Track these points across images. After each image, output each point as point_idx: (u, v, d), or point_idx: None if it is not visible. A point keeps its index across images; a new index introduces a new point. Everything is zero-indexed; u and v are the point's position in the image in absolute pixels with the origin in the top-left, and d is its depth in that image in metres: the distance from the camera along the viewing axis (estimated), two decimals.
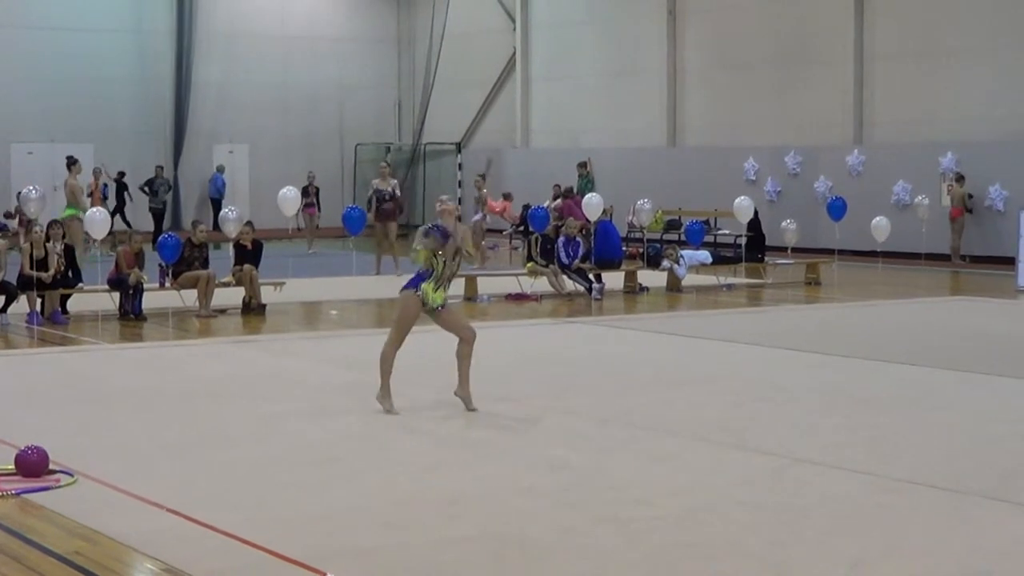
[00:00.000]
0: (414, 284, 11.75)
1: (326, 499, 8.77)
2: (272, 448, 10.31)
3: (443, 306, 11.88)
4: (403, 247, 22.94)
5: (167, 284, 19.36)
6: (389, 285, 23.15)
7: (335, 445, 10.48)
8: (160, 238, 20.44)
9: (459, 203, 37.96)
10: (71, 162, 26.41)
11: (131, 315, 18.45)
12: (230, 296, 19.63)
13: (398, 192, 27.77)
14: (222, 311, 19.31)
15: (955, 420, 11.44)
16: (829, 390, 13.00)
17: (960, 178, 29.35)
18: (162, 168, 36.38)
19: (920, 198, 29.00)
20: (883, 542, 7.71)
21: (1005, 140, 29.25)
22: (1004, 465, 9.65)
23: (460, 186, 41.43)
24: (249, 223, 20.65)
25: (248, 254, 19.92)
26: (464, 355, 11.87)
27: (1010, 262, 24.93)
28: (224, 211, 22.24)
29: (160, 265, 19.52)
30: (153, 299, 19.07)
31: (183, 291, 19.27)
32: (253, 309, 19.40)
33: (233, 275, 19.72)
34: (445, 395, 12.01)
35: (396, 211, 27.23)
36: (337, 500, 8.75)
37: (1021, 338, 17.26)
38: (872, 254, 27.67)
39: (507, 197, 32.59)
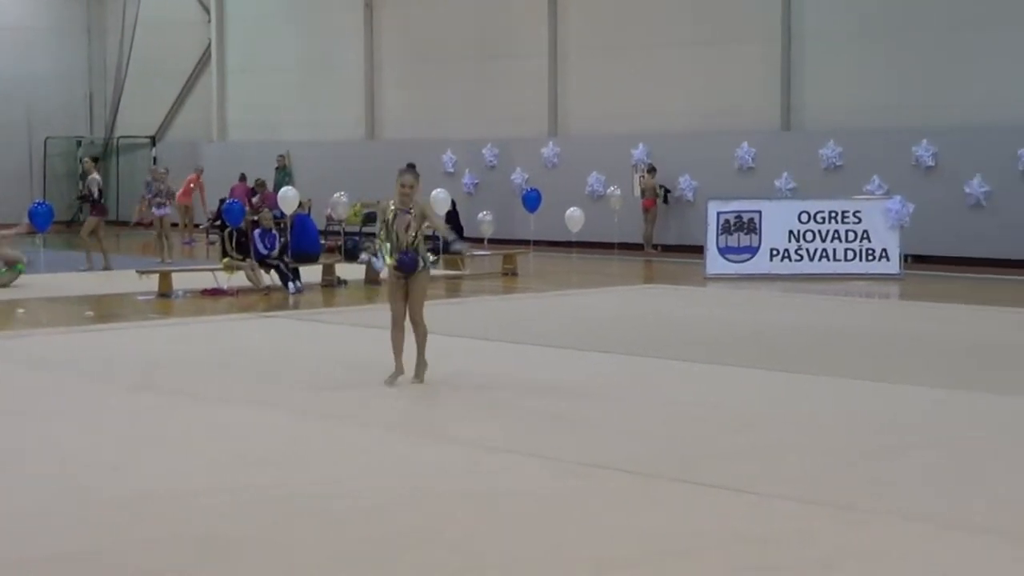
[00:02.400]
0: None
1: (2, 505, 8.37)
2: None
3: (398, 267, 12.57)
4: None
5: None
6: (99, 281, 22.48)
7: (9, 446, 10.04)
8: None
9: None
10: None
11: None
12: None
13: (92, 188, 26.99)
14: None
15: (644, 406, 11.68)
16: (523, 379, 13.10)
17: (652, 169, 30.11)
18: None
19: (612, 189, 29.64)
20: (575, 526, 7.79)
21: (693, 132, 30.16)
22: (688, 448, 9.89)
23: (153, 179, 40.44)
24: None
25: None
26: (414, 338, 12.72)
27: (700, 251, 25.67)
28: None
29: None
30: None
31: None
32: None
33: None
34: (131, 390, 11.67)
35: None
36: (15, 505, 8.36)
37: (709, 323, 17.80)
38: (567, 244, 28.17)
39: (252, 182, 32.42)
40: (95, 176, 26.35)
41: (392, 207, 12.76)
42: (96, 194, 25.72)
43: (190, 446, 10.07)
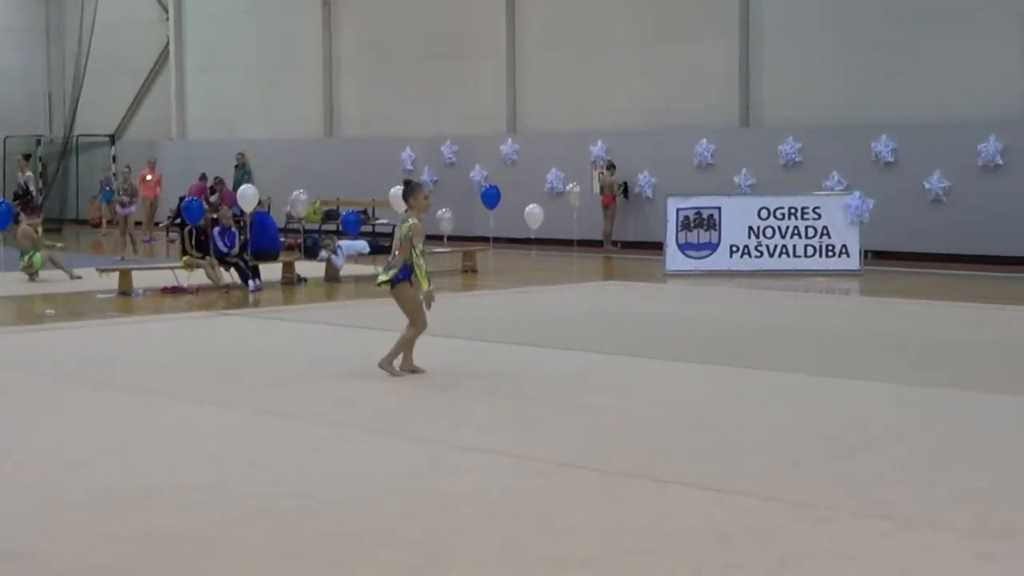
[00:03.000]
0: (405, 276, 12.80)
1: None
2: None
3: (391, 284, 12.85)
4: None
5: None
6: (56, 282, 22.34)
7: None
8: None
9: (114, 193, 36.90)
10: None
11: None
12: None
13: (30, 186, 26.76)
14: None
15: (606, 402, 11.63)
16: (484, 376, 13.04)
17: (611, 166, 30.12)
18: None
19: (572, 186, 29.63)
20: (535, 524, 7.73)
21: (652, 129, 30.19)
22: (650, 446, 9.84)
23: (115, 178, 40.21)
24: None
25: None
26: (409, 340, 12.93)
27: (659, 247, 25.69)
28: None
29: None
30: None
31: None
32: None
33: None
34: (90, 389, 11.55)
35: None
36: None
37: (669, 320, 17.79)
38: (527, 241, 28.13)
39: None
40: (29, 174, 26.09)
41: (420, 246, 12.88)
42: (28, 192, 25.40)
43: (148, 445, 9.96)
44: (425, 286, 12.85)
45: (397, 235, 13.04)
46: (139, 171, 34.40)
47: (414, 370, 13.07)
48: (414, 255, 12.82)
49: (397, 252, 12.95)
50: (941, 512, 7.96)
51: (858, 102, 27.37)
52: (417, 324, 13.09)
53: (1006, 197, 25.32)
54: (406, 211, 13.09)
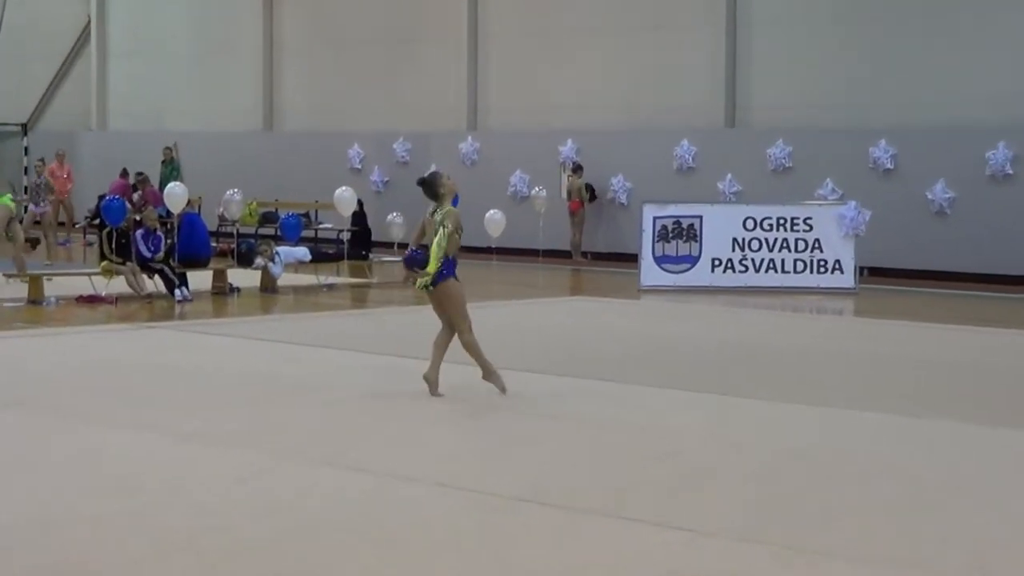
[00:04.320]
0: (451, 272, 13.01)
1: None
2: None
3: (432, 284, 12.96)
4: None
5: None
6: None
7: None
8: None
9: (25, 191, 36.78)
10: None
11: None
12: None
13: None
14: None
15: (571, 431, 11.67)
16: (438, 401, 13.06)
17: (578, 168, 30.18)
18: None
19: (538, 190, 29.68)
20: (488, 567, 7.76)
21: (628, 128, 30.27)
22: (616, 479, 9.88)
23: (27, 173, 40.08)
24: None
25: None
26: (443, 344, 13.26)
27: (633, 260, 25.74)
28: None
29: None
30: None
31: None
32: None
33: None
34: None
35: None
36: None
37: (642, 340, 17.85)
38: (487, 251, 28.14)
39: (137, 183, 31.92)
40: None
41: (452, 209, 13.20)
42: None
43: (56, 471, 9.94)
44: (431, 268, 12.93)
45: (432, 228, 13.07)
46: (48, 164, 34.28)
47: (434, 382, 13.23)
48: (442, 234, 12.93)
49: (436, 247, 12.97)
50: (931, 554, 8.03)
51: (855, 102, 27.53)
52: (466, 319, 13.26)
53: (1016, 210, 25.48)
54: (437, 206, 13.17)
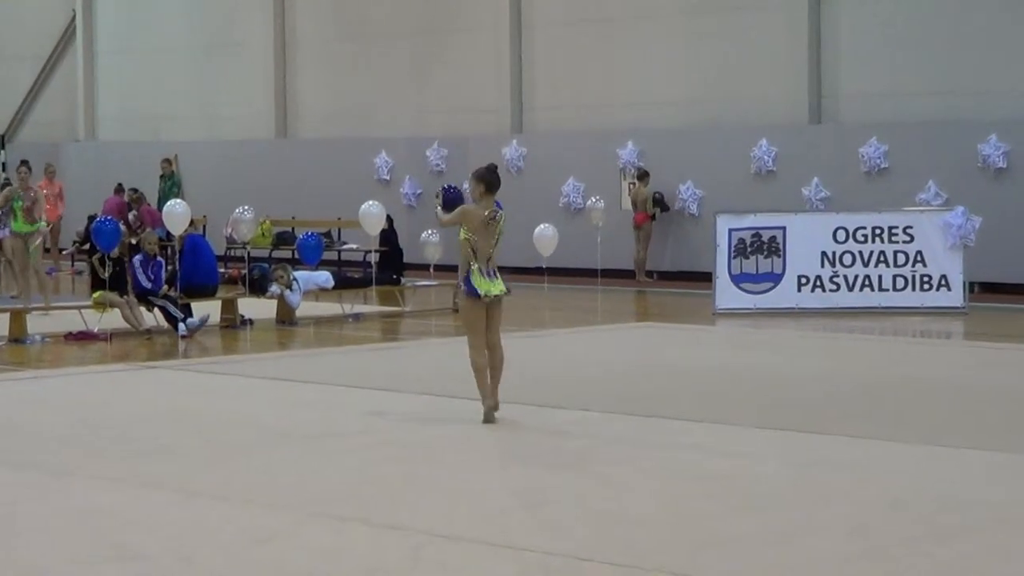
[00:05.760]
0: (468, 287, 13.90)
1: None
2: None
3: (500, 295, 14.10)
4: None
5: None
6: None
7: None
8: None
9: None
10: None
11: None
12: None
13: None
14: None
15: (637, 478, 11.66)
16: (485, 444, 13.08)
17: (644, 175, 30.18)
18: None
19: (594, 200, 29.66)
20: None
21: (697, 127, 30.23)
22: (691, 533, 9.87)
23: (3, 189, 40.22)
24: None
25: None
26: (495, 365, 14.17)
27: (707, 279, 25.69)
28: None
29: None
30: None
31: None
32: None
33: None
34: None
35: None
36: None
37: (718, 373, 17.80)
38: (537, 271, 28.10)
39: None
40: None
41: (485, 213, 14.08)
42: None
43: (45, 534, 9.98)
44: (484, 286, 13.91)
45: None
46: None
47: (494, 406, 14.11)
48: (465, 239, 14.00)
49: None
50: None
51: (961, 92, 27.44)
52: (476, 337, 14.12)
53: None
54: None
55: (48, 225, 27.81)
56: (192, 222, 23.59)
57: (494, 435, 13.57)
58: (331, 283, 24.54)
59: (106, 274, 21.75)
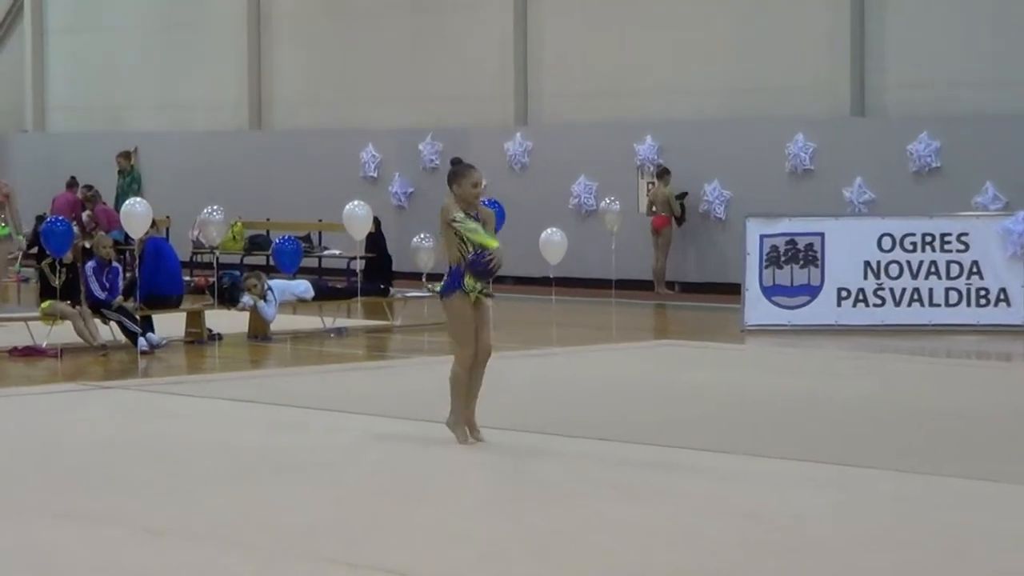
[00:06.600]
0: (456, 284, 14.07)
1: None
2: None
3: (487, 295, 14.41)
4: None
5: None
6: None
7: None
8: None
9: None
10: None
11: None
12: None
13: None
14: None
15: (659, 516, 11.65)
16: (485, 476, 13.08)
17: (664, 172, 30.19)
18: None
19: (608, 201, 29.66)
20: None
21: (725, 120, 30.25)
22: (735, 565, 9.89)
23: None
24: None
25: None
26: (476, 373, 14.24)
27: (735, 291, 25.68)
28: None
29: None
30: None
31: None
32: None
33: None
34: None
35: None
36: None
37: (749, 397, 17.80)
38: (543, 282, 28.10)
39: None
40: None
41: (459, 214, 14.17)
42: None
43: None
44: (490, 242, 14.16)
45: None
46: None
47: (472, 428, 14.17)
48: (463, 232, 14.05)
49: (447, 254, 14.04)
50: None
51: (1020, 81, 27.44)
52: (463, 347, 14.10)
53: None
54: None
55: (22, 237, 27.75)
56: (154, 224, 23.59)
57: (491, 466, 13.56)
58: (310, 293, 24.54)
59: (57, 282, 21.76)
